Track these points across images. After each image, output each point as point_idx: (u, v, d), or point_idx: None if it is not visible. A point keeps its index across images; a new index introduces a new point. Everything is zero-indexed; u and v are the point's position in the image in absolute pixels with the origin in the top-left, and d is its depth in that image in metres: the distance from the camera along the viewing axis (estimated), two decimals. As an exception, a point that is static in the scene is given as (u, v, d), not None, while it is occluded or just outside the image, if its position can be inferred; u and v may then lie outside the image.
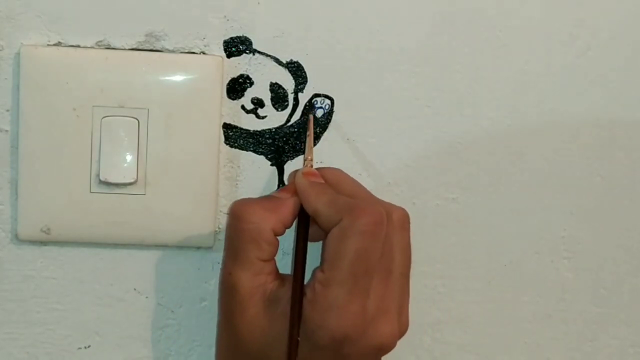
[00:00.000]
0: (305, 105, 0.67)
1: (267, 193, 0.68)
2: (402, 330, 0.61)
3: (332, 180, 0.63)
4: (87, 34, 0.65)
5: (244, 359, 0.61)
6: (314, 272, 0.60)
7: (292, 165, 0.68)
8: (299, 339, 0.58)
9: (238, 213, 0.61)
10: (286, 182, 0.68)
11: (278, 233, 0.61)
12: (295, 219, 0.62)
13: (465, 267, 0.71)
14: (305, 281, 0.60)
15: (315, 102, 0.67)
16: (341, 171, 0.65)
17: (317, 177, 0.63)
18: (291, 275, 0.61)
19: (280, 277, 0.61)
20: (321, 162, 0.68)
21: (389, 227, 0.60)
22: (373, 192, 0.67)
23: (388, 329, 0.60)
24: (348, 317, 0.58)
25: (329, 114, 0.68)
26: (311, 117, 0.67)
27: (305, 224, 0.62)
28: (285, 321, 0.59)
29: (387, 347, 0.60)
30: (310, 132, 0.66)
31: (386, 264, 0.60)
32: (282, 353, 0.59)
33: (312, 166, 0.64)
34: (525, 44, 0.68)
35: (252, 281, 0.60)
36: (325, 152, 0.68)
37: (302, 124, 0.68)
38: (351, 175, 0.65)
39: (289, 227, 0.62)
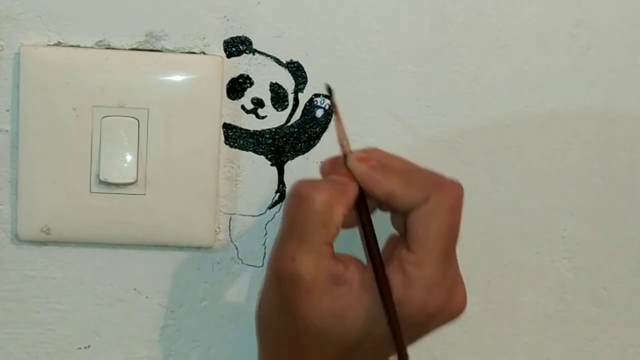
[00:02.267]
0: (305, 105, 0.67)
1: (267, 193, 0.68)
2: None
3: (382, 161, 0.62)
4: (87, 34, 0.65)
5: (314, 345, 0.59)
6: (396, 253, 0.59)
7: (292, 165, 0.68)
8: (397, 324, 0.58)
9: (307, 194, 0.58)
10: (286, 184, 0.68)
11: (345, 217, 0.59)
12: (354, 205, 0.60)
13: (465, 267, 0.71)
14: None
15: (324, 94, 0.67)
16: (381, 150, 0.63)
17: (372, 160, 0.61)
18: (350, 256, 0.60)
19: (340, 259, 0.60)
20: (321, 162, 0.68)
21: None
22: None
23: (462, 297, 0.61)
24: (444, 292, 0.59)
25: (329, 114, 0.68)
26: (332, 99, 0.64)
27: (367, 209, 0.60)
28: (360, 304, 0.58)
29: (458, 315, 0.61)
30: (339, 116, 0.61)
31: (458, 238, 0.60)
32: (364, 335, 0.58)
33: (350, 149, 0.61)
34: (525, 44, 0.68)
35: (317, 265, 0.58)
36: (325, 152, 0.68)
37: (303, 124, 0.68)
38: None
39: (350, 212, 0.60)
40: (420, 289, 0.58)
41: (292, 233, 0.59)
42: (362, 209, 0.60)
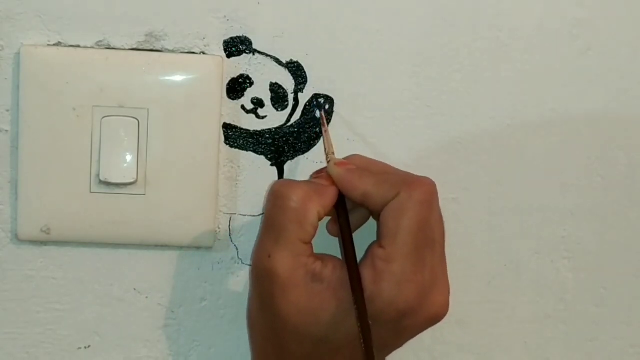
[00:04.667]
0: (305, 105, 0.67)
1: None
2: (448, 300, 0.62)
3: (361, 165, 0.63)
4: (87, 34, 0.65)
5: (292, 342, 0.60)
6: (369, 250, 0.60)
7: (292, 165, 0.68)
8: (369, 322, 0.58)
9: (284, 192, 0.60)
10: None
11: (320, 217, 0.61)
12: (332, 207, 0.62)
13: (465, 267, 0.71)
14: None
15: (316, 102, 0.67)
16: (362, 156, 0.66)
17: (349, 165, 0.63)
18: (331, 255, 0.61)
19: (319, 257, 0.61)
20: (321, 162, 0.68)
21: None
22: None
23: (442, 298, 0.61)
24: (415, 288, 0.59)
25: (328, 114, 0.68)
26: (322, 112, 0.67)
27: (345, 210, 0.62)
28: (334, 298, 0.59)
29: (440, 317, 0.61)
30: (326, 127, 0.66)
31: (431, 234, 0.60)
32: (339, 332, 0.59)
33: (333, 156, 0.64)
34: (525, 44, 0.68)
35: (293, 262, 0.59)
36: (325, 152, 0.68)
37: (302, 124, 0.68)
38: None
39: (327, 214, 0.61)
40: (389, 284, 0.59)
41: (268, 231, 0.60)
42: (340, 211, 0.62)
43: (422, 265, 0.60)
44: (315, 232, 0.61)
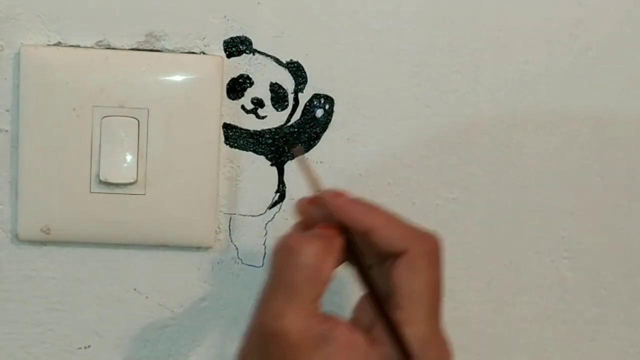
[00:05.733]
0: (305, 105, 0.67)
1: (267, 193, 0.68)
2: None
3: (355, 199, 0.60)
4: (87, 34, 0.65)
5: None
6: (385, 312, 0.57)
7: (292, 165, 0.68)
8: None
9: (297, 248, 0.56)
10: (286, 184, 0.68)
11: (333, 273, 0.57)
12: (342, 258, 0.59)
13: (465, 267, 0.71)
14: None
15: (289, 151, 0.66)
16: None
17: (347, 195, 0.59)
18: (335, 315, 0.57)
19: (327, 317, 0.57)
20: (321, 162, 0.68)
21: None
22: (373, 192, 0.67)
23: (449, 353, 0.58)
24: (435, 349, 0.57)
25: (329, 114, 0.68)
26: (302, 156, 0.64)
27: (359, 262, 0.58)
28: None
29: None
30: (308, 171, 0.59)
31: (442, 291, 0.58)
32: None
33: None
34: (525, 44, 0.68)
35: (306, 323, 0.55)
36: (325, 152, 0.68)
37: (302, 124, 0.68)
38: (351, 175, 0.65)
39: (338, 266, 0.58)
40: (414, 348, 0.56)
41: (279, 289, 0.56)
42: (353, 261, 0.58)
43: (438, 324, 0.58)
44: (327, 289, 0.57)
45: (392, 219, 0.58)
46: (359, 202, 0.59)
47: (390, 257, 0.58)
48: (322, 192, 0.59)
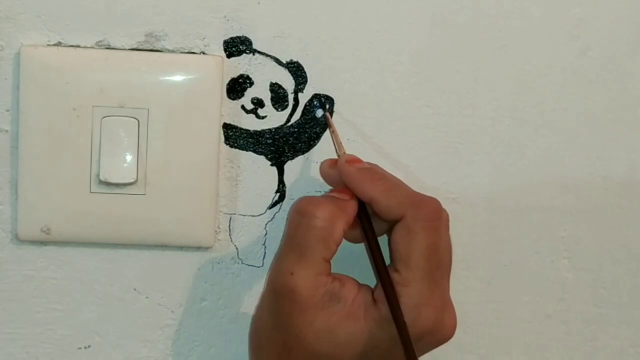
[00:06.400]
0: (305, 105, 0.67)
1: (267, 193, 0.68)
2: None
3: (371, 166, 0.63)
4: (87, 34, 0.65)
5: None
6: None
7: (292, 165, 0.68)
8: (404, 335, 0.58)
9: (309, 210, 0.59)
10: (286, 184, 0.68)
11: (344, 234, 0.60)
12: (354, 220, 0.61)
13: (465, 267, 0.71)
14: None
15: (317, 102, 0.67)
16: (377, 165, 0.65)
17: (361, 162, 0.62)
18: (347, 276, 0.61)
19: (337, 277, 0.60)
20: (321, 162, 0.68)
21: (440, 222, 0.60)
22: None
23: (452, 321, 0.61)
24: (431, 311, 0.59)
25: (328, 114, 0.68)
26: (327, 113, 0.67)
27: (369, 222, 0.61)
28: (350, 319, 0.59)
29: (448, 339, 0.61)
30: (333, 128, 0.65)
31: (442, 257, 0.60)
32: (356, 354, 0.59)
33: (344, 153, 0.64)
34: (525, 44, 0.68)
35: (315, 281, 0.59)
36: (325, 152, 0.68)
37: (302, 124, 0.68)
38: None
39: (349, 228, 0.61)
40: (408, 307, 0.58)
41: (292, 249, 0.59)
42: (365, 225, 0.61)
43: (436, 288, 0.59)
44: (337, 249, 0.60)
45: (392, 189, 0.61)
46: (366, 171, 0.61)
47: (393, 225, 0.60)
48: (340, 156, 0.62)
